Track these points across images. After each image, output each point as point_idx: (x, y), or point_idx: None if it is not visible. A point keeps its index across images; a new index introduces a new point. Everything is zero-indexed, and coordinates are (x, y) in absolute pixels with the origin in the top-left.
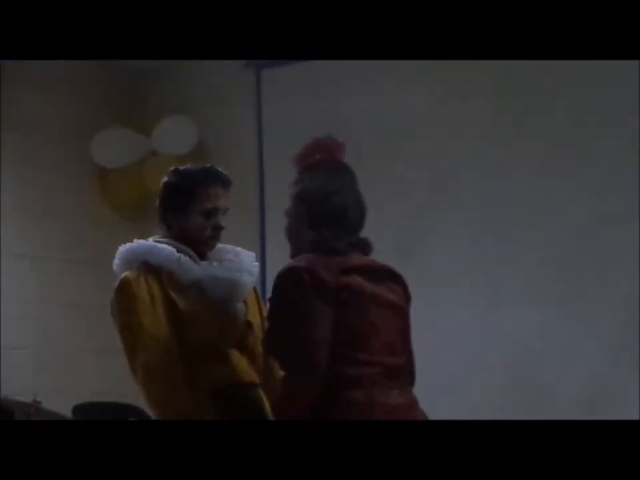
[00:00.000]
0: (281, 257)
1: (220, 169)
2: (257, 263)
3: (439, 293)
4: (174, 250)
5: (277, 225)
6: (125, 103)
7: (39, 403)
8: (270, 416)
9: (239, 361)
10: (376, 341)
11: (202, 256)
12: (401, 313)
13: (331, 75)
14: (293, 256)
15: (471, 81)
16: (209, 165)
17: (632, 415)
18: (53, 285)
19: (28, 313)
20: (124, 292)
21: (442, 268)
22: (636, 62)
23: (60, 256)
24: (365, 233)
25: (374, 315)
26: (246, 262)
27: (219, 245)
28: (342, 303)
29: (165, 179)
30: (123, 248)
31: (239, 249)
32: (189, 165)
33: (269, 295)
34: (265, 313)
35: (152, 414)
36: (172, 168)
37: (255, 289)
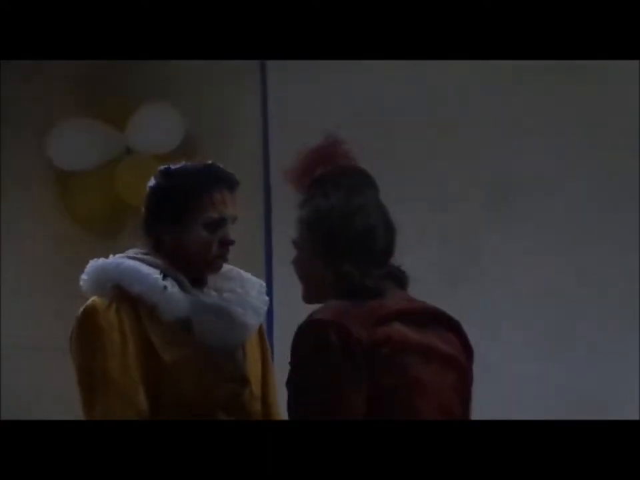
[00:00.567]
0: (289, 279)
1: (223, 167)
2: (266, 298)
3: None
4: (159, 277)
5: (287, 237)
6: (92, 88)
7: None
8: None
9: None
10: (422, 402)
11: (199, 280)
12: (457, 367)
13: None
14: (307, 299)
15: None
16: (210, 162)
17: (632, 415)
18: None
19: None
20: (88, 323)
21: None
22: None
23: (10, 286)
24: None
25: (421, 371)
26: (253, 295)
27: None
28: (380, 361)
29: (153, 181)
30: (95, 263)
31: (246, 275)
32: (184, 163)
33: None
34: (269, 364)
35: None
36: (162, 167)
37: (260, 326)
